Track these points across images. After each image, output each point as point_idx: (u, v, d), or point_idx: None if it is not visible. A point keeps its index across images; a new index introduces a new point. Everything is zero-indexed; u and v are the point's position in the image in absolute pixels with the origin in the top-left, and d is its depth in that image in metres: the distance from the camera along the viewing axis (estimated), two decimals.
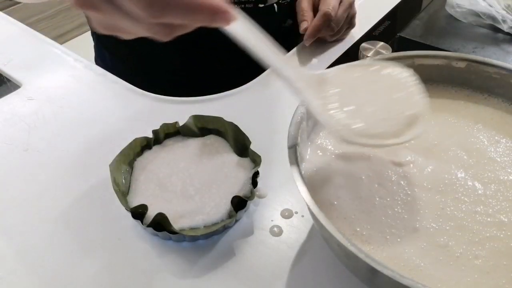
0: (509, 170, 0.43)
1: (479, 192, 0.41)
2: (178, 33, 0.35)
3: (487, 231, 0.38)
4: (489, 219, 0.39)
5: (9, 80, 0.70)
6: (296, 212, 0.48)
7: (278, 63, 0.38)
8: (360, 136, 0.37)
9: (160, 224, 0.43)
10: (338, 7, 0.68)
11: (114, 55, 0.82)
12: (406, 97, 0.40)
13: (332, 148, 0.45)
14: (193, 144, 0.52)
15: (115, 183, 0.47)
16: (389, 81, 0.41)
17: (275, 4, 0.73)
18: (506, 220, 0.38)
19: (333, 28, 0.69)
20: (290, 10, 0.75)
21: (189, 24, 0.34)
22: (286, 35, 0.79)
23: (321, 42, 0.73)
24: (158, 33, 0.34)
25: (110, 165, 0.48)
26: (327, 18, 0.67)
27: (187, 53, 0.77)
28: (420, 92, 0.40)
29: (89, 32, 0.86)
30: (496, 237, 0.37)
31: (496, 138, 0.46)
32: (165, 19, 0.32)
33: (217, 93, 0.64)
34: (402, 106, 0.39)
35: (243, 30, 0.37)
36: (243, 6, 0.71)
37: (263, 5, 0.72)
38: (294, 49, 0.72)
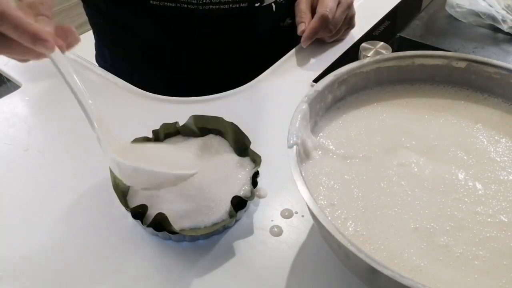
0: (509, 170, 0.43)
1: (479, 192, 0.41)
2: (9, 49, 0.41)
3: (487, 231, 0.38)
4: (489, 219, 0.39)
5: (9, 80, 0.70)
6: (296, 212, 0.48)
7: (89, 104, 0.45)
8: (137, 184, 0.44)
9: (160, 224, 0.43)
10: (336, 8, 0.68)
11: (114, 53, 0.82)
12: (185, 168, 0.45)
13: (333, 148, 0.45)
14: (193, 144, 0.52)
15: (115, 183, 0.47)
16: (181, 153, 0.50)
17: (273, 4, 0.73)
18: (506, 220, 0.38)
19: (331, 29, 0.69)
20: (289, 9, 0.75)
21: (20, 42, 0.40)
22: (285, 34, 0.79)
23: (321, 43, 0.72)
24: None
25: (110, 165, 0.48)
26: (324, 20, 0.67)
27: (187, 53, 0.77)
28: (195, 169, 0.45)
29: (90, 32, 0.86)
30: (496, 237, 0.37)
31: (496, 138, 0.46)
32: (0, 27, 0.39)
33: (217, 93, 0.64)
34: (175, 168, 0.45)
35: (66, 65, 0.43)
36: (237, 5, 0.70)
37: (258, 4, 0.71)
38: (293, 50, 0.72)
